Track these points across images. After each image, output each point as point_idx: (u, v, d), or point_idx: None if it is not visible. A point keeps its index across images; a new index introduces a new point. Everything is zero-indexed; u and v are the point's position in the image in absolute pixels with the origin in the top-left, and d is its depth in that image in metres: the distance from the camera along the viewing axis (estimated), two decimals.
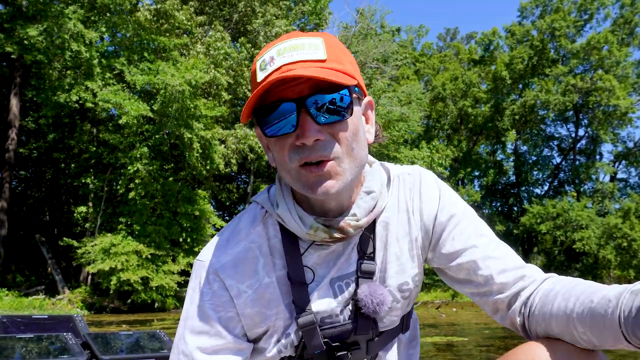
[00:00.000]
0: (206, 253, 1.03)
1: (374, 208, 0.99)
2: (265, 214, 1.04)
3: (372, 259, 1.02)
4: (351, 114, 0.89)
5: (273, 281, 1.00)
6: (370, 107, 1.01)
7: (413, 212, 1.04)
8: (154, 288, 17.82)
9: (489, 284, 0.97)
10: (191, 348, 0.97)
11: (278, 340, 1.01)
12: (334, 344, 1.01)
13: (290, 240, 1.00)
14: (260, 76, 0.88)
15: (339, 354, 1.01)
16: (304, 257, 1.00)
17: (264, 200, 1.04)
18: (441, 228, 1.03)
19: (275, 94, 0.87)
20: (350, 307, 1.02)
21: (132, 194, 18.41)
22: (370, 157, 1.05)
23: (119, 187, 18.85)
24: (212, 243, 1.05)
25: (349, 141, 0.90)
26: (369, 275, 1.01)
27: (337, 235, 0.96)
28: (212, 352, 0.98)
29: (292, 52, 0.87)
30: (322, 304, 1.00)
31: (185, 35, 21.15)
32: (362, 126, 0.95)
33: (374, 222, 1.03)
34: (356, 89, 0.92)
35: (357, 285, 1.01)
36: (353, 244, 1.01)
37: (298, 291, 0.99)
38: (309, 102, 0.86)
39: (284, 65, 0.86)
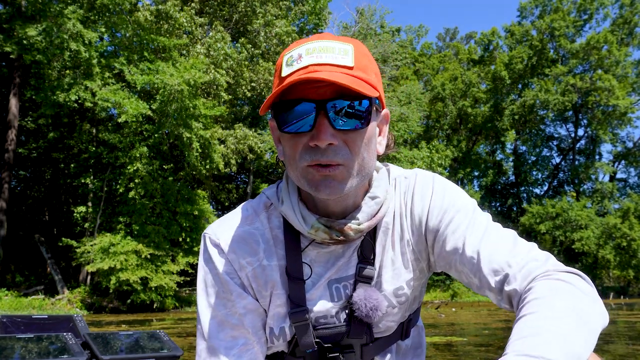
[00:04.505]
0: (212, 226, 1.06)
1: (376, 213, 1.00)
2: (271, 206, 1.06)
3: (372, 264, 1.02)
4: (367, 124, 0.90)
5: (272, 265, 1.02)
6: (385, 120, 1.02)
7: (406, 215, 1.04)
8: (153, 288, 17.82)
9: (482, 280, 0.92)
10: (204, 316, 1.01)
11: (271, 330, 1.02)
12: (326, 345, 1.02)
13: (292, 234, 1.02)
14: (285, 71, 0.89)
15: (330, 355, 1.01)
16: (304, 253, 1.01)
17: (272, 194, 1.06)
18: (434, 229, 1.00)
19: (298, 91, 0.88)
20: (345, 310, 1.03)
21: (131, 194, 18.41)
22: (378, 163, 1.06)
23: (118, 186, 18.84)
24: (220, 219, 1.08)
25: (361, 150, 0.91)
26: (368, 280, 1.01)
27: (337, 237, 0.96)
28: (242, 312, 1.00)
29: (321, 54, 0.88)
30: (317, 303, 1.01)
31: (185, 35, 21.14)
32: (375, 137, 0.96)
33: (375, 227, 1.03)
34: (376, 100, 0.94)
35: (355, 289, 1.01)
36: (354, 247, 1.02)
37: (295, 287, 1.00)
38: (328, 106, 0.87)
39: (311, 65, 0.87)
